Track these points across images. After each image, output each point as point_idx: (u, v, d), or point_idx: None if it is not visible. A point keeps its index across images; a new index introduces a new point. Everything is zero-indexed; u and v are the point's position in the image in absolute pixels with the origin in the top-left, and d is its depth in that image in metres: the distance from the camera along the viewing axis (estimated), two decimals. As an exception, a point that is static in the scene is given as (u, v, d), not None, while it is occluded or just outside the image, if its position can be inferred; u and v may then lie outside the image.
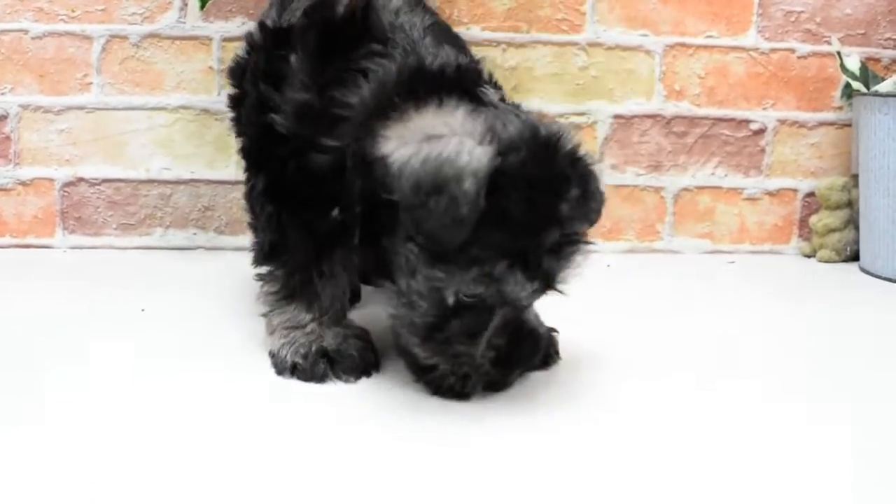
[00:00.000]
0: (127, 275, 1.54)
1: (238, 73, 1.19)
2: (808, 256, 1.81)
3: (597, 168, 0.96)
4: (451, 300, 0.88)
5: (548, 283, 0.92)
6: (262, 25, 1.14)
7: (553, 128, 0.92)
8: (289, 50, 1.04)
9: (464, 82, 0.98)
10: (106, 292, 1.41)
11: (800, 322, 1.35)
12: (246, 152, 1.15)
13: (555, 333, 1.09)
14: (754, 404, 0.99)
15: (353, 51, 0.99)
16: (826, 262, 1.77)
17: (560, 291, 0.94)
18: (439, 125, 0.90)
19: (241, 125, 1.20)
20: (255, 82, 1.09)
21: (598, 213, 0.97)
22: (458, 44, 1.08)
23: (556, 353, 1.08)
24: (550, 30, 1.73)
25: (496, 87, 1.04)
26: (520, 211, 0.86)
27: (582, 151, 0.94)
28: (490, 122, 0.90)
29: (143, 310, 1.29)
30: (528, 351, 0.97)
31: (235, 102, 1.21)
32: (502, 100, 1.01)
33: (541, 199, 0.88)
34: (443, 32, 1.07)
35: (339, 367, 1.02)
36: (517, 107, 0.99)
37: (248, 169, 1.15)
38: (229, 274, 1.52)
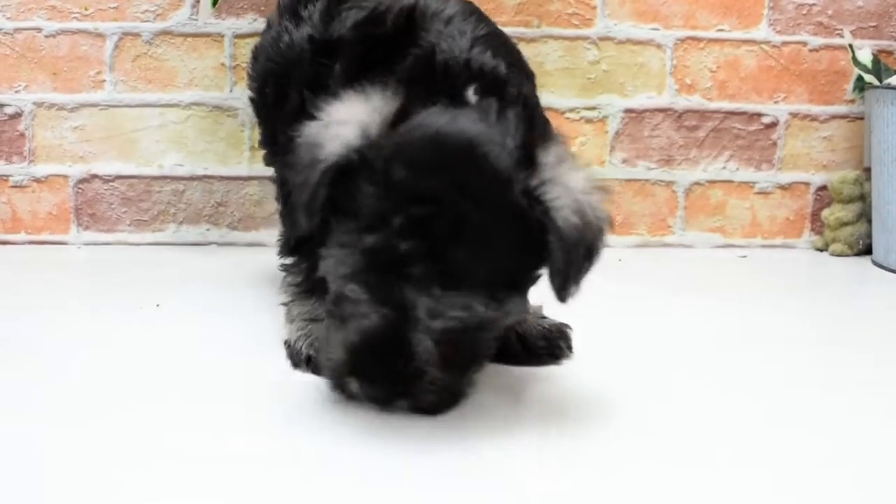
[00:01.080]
0: (141, 270, 1.55)
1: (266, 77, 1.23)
2: (821, 250, 1.81)
3: None
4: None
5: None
6: (310, 38, 1.14)
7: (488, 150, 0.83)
8: (334, 60, 1.05)
9: (454, 80, 0.93)
10: (121, 288, 1.42)
11: (812, 315, 1.35)
12: (281, 147, 1.16)
13: (567, 329, 1.10)
14: (766, 397, 0.99)
15: (395, 60, 0.99)
16: (838, 255, 1.76)
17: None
18: (346, 111, 0.89)
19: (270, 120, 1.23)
20: (298, 88, 1.10)
21: None
22: (505, 53, 1.03)
23: (569, 347, 1.08)
24: (561, 24, 1.73)
25: (519, 100, 0.94)
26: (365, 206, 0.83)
27: None
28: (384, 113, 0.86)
29: (157, 305, 1.30)
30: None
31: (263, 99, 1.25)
32: (503, 109, 0.90)
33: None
34: (495, 42, 1.02)
35: None
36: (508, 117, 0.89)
37: (276, 163, 1.19)
38: (242, 269, 1.53)
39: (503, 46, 1.05)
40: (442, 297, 0.80)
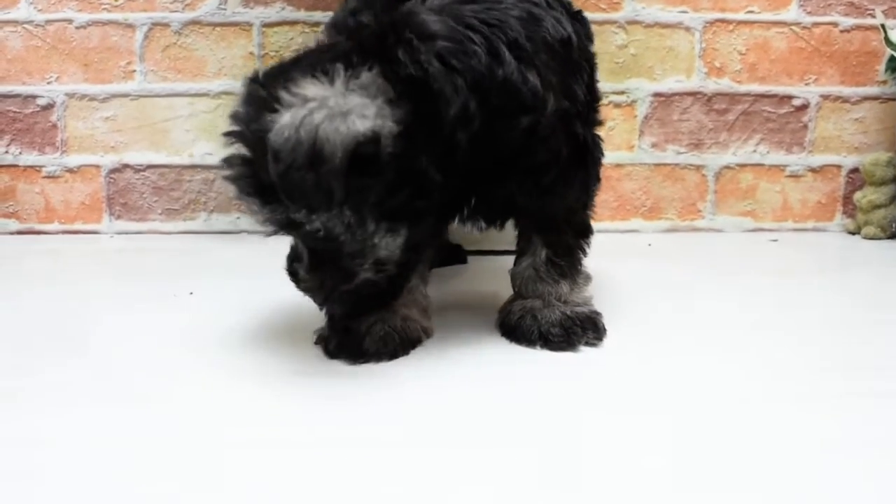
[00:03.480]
0: (173, 259, 1.57)
1: None
2: (853, 233, 1.79)
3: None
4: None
5: None
6: None
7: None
8: None
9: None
10: (153, 276, 1.43)
11: (845, 298, 1.34)
12: None
13: (596, 317, 1.09)
14: (800, 381, 0.98)
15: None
16: (871, 238, 1.74)
17: None
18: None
19: None
20: None
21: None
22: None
23: (594, 336, 1.07)
24: (589, 8, 1.71)
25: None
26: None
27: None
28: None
29: (191, 293, 1.31)
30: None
31: None
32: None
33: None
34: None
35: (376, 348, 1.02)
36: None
37: None
38: (273, 257, 1.52)
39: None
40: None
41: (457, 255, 1.52)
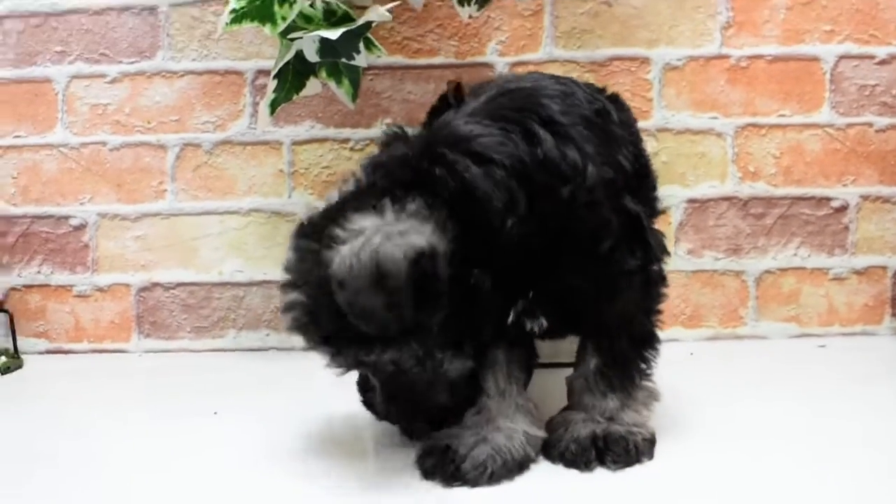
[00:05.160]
0: (200, 377, 1.54)
1: None
2: (904, 337, 1.72)
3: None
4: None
5: None
6: None
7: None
8: None
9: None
10: (179, 395, 1.42)
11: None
12: None
13: (631, 436, 1.03)
14: (850, 491, 0.91)
15: None
16: (924, 342, 1.67)
17: None
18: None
19: None
20: None
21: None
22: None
23: (619, 458, 1.01)
24: (617, 117, 1.71)
25: None
26: None
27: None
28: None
29: (215, 413, 1.29)
30: None
31: None
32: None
33: None
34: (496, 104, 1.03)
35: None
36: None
37: None
38: (301, 375, 1.50)
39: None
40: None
41: None
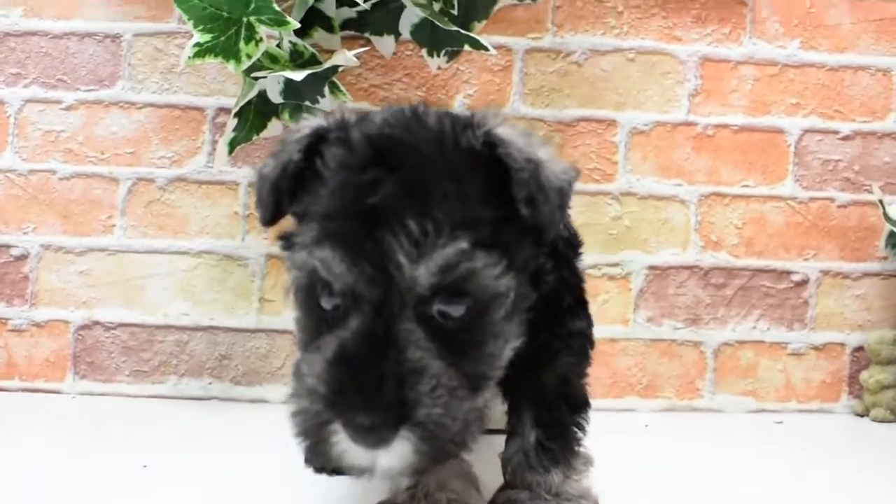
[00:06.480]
0: (135, 425, 1.46)
1: None
2: (861, 415, 1.70)
3: None
4: None
5: None
6: None
7: None
8: None
9: None
10: (110, 445, 1.33)
11: (855, 486, 1.24)
12: None
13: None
14: None
15: None
16: (881, 421, 1.65)
17: None
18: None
19: None
20: None
21: None
22: None
23: None
24: (582, 179, 1.69)
25: None
26: None
27: None
28: None
29: (144, 466, 1.21)
30: None
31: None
32: None
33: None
34: None
35: None
36: None
37: None
38: (243, 427, 1.43)
39: None
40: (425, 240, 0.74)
41: None
